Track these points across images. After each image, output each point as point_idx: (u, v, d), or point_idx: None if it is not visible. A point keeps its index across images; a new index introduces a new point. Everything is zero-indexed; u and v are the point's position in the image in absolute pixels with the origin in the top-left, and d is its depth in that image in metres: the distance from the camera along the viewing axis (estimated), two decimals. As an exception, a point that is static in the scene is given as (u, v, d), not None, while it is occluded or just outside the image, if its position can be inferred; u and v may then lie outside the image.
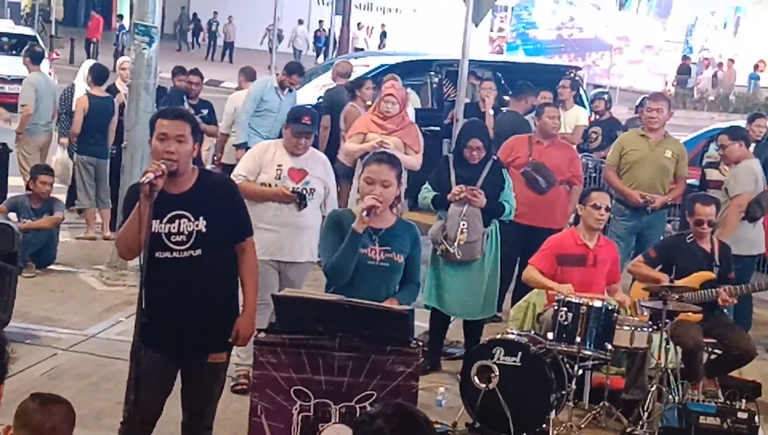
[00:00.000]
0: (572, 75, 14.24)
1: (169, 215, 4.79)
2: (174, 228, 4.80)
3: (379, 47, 37.68)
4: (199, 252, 4.81)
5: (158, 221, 4.75)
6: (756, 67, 35.60)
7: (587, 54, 39.48)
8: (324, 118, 10.91)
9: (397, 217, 5.39)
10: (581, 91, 14.21)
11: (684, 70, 36.59)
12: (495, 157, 7.78)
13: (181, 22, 42.28)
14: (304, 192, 6.83)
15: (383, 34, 40.94)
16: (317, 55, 38.30)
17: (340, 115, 10.79)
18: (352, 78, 11.63)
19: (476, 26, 11.19)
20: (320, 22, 38.80)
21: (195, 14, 43.01)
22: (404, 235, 5.30)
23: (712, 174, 9.56)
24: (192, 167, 4.92)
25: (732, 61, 37.02)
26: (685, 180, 9.21)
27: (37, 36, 22.67)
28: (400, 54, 16.34)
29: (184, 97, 11.27)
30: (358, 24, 38.29)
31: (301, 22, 38.70)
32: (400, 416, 2.90)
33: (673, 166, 9.03)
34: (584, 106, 13.34)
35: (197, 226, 4.81)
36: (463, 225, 7.32)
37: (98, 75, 11.39)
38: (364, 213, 5.08)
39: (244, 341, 5.05)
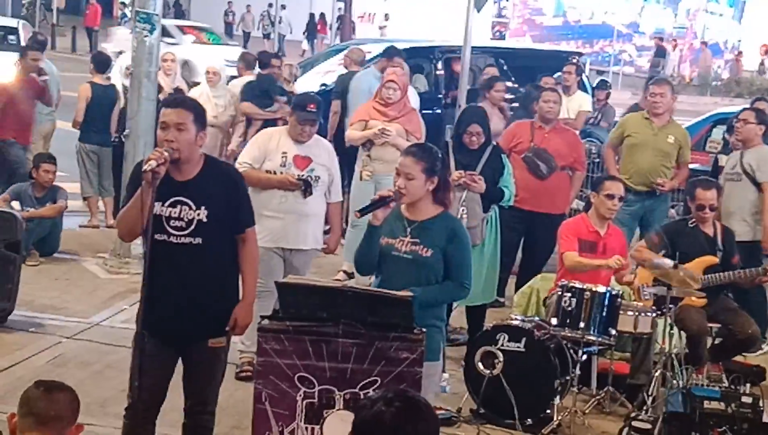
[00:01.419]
0: (575, 61, 14.20)
1: (171, 200, 4.80)
2: (175, 213, 4.80)
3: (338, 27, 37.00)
4: (199, 240, 4.81)
5: (160, 204, 4.76)
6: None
7: (594, 41, 39.34)
8: (334, 103, 10.90)
9: (441, 210, 5.11)
10: (583, 78, 14.17)
11: (659, 52, 35.80)
12: (494, 143, 7.77)
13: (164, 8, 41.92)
14: (310, 179, 6.83)
15: (339, 19, 38.78)
16: (311, 42, 38.10)
17: (350, 100, 10.72)
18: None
19: (478, 12, 11.15)
20: (311, 14, 38.46)
21: (177, 0, 42.72)
22: (440, 230, 5.03)
23: (724, 160, 9.50)
24: (199, 154, 4.91)
25: (704, 44, 36.84)
26: (687, 165, 9.19)
27: (19, 27, 21.94)
28: (401, 40, 16.28)
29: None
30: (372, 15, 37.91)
31: (283, 7, 38.17)
32: (401, 401, 2.90)
33: (675, 152, 9.00)
34: (587, 92, 13.30)
35: (198, 214, 4.81)
36: (463, 210, 7.30)
37: (100, 63, 11.41)
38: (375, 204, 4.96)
39: (241, 330, 5.06)
